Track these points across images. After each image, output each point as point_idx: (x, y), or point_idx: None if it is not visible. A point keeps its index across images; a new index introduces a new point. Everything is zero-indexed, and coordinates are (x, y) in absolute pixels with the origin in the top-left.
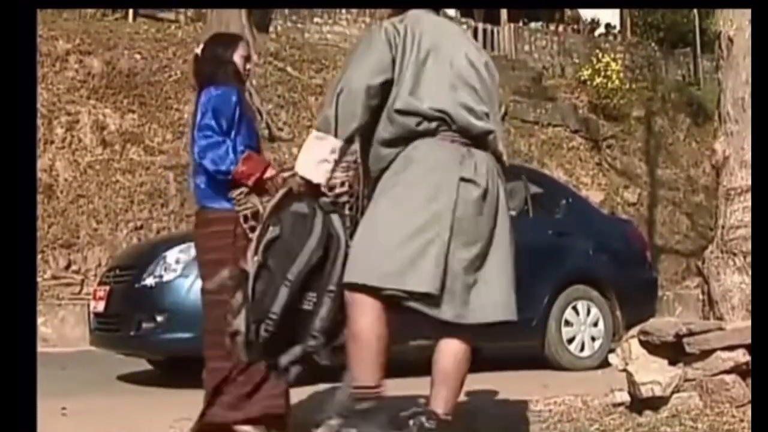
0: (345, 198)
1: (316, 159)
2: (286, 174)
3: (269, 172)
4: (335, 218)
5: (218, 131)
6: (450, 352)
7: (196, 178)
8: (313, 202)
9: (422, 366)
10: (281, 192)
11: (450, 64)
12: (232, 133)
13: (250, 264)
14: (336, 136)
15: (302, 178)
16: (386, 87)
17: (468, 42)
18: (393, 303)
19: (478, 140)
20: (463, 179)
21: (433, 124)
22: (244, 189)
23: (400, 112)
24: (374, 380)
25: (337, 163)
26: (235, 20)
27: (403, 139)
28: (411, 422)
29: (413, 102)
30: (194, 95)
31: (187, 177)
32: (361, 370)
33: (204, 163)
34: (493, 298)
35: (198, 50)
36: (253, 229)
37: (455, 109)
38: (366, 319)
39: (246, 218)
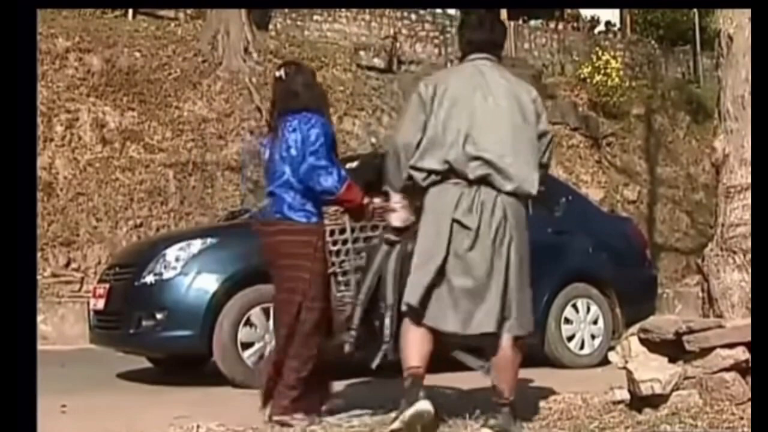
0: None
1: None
2: (376, 203)
3: (365, 200)
4: (393, 250)
5: (326, 156)
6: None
7: (284, 192)
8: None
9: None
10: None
11: (466, 115)
12: (334, 159)
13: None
14: (394, 189)
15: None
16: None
17: (499, 85)
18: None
19: (481, 180)
20: (454, 220)
21: (439, 177)
22: (339, 208)
23: (413, 168)
24: (416, 362)
25: (404, 208)
26: (235, 18)
27: (421, 189)
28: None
29: (422, 163)
30: (194, 94)
31: (242, 182)
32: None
33: (311, 183)
34: (489, 314)
35: (281, 74)
36: (335, 242)
37: (459, 160)
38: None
39: (332, 232)
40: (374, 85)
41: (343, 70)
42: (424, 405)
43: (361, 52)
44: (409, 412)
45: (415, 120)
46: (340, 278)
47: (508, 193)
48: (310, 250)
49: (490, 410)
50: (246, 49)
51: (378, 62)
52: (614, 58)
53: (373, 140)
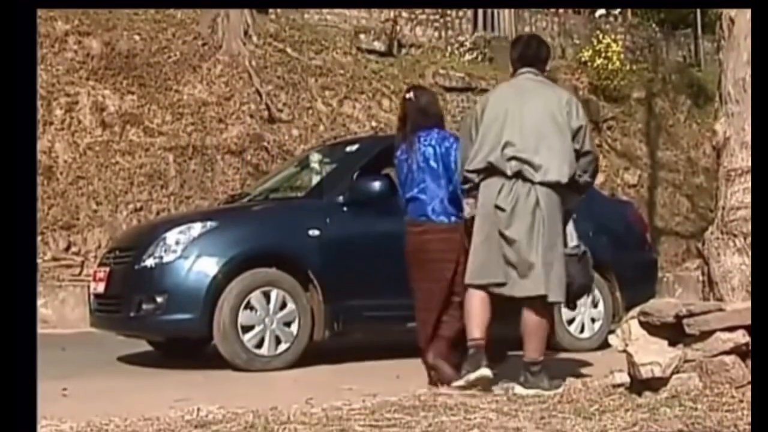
0: None
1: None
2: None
3: None
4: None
5: None
6: (526, 316)
7: (425, 198)
8: None
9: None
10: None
11: (504, 124)
12: None
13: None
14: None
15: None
16: None
17: (534, 94)
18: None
19: (517, 174)
20: (496, 206)
21: (486, 173)
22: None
23: (467, 171)
24: (479, 334)
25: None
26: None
27: (475, 184)
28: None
29: (473, 165)
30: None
31: (402, 192)
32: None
33: (459, 193)
34: (531, 280)
35: (410, 96)
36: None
37: (498, 160)
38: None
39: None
40: (374, 69)
41: (344, 53)
42: (485, 371)
43: (362, 36)
44: (473, 375)
45: (468, 138)
46: None
47: (541, 183)
48: (453, 245)
49: (522, 370)
50: (246, 33)
51: (378, 45)
52: (615, 41)
53: (374, 123)
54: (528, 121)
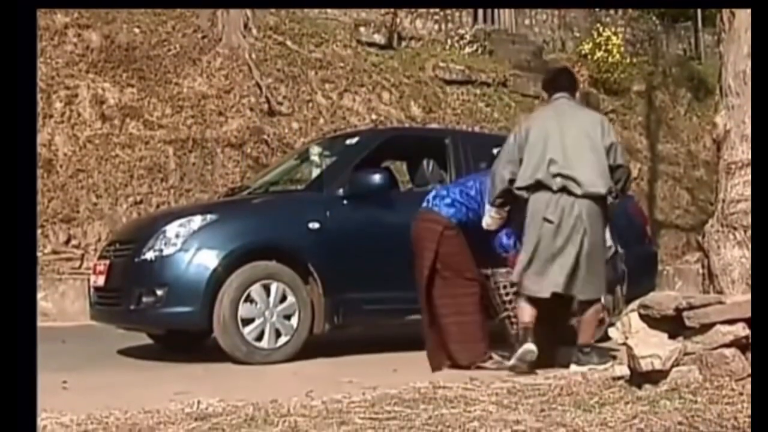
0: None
1: (488, 216)
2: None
3: None
4: None
5: None
6: (578, 310)
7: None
8: None
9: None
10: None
11: (547, 145)
12: None
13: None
14: (489, 202)
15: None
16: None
17: (571, 116)
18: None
19: (561, 189)
20: (544, 218)
21: (533, 189)
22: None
23: (518, 188)
24: (528, 319)
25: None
26: None
27: (524, 199)
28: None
29: (522, 183)
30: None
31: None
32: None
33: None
34: (554, 281)
35: None
36: (507, 294)
37: (545, 177)
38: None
39: (505, 286)
40: (374, 62)
41: (343, 46)
42: (530, 346)
43: (361, 28)
44: (520, 350)
45: (511, 159)
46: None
47: (582, 196)
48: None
49: (576, 351)
50: (246, 25)
51: (378, 38)
52: (615, 34)
53: (374, 116)
54: (568, 141)
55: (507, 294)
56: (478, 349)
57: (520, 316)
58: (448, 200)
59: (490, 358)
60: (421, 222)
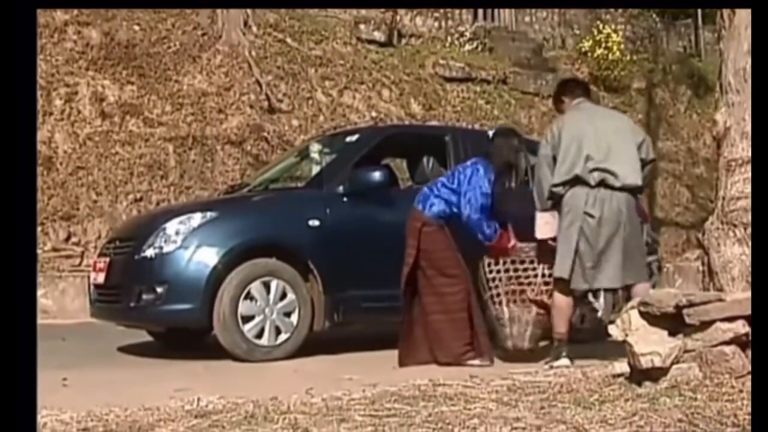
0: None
1: (542, 222)
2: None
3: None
4: None
5: None
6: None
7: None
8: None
9: None
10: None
11: (582, 143)
12: None
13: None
14: (539, 208)
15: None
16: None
17: (599, 116)
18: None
19: (600, 183)
20: (585, 212)
21: (570, 184)
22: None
23: (555, 185)
24: (563, 329)
25: (546, 224)
26: None
27: (560, 196)
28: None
29: (559, 179)
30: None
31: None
32: (557, 323)
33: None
34: (609, 275)
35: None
36: (491, 272)
37: (583, 172)
38: (555, 295)
39: (489, 264)
40: (374, 59)
41: (344, 43)
42: (565, 361)
43: (361, 26)
44: (556, 364)
45: (549, 163)
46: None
47: (620, 189)
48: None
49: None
50: (246, 23)
51: (378, 35)
52: (615, 31)
53: (373, 114)
54: (602, 137)
55: (491, 272)
56: (461, 348)
57: (555, 324)
58: (429, 196)
59: (473, 357)
60: (408, 220)
